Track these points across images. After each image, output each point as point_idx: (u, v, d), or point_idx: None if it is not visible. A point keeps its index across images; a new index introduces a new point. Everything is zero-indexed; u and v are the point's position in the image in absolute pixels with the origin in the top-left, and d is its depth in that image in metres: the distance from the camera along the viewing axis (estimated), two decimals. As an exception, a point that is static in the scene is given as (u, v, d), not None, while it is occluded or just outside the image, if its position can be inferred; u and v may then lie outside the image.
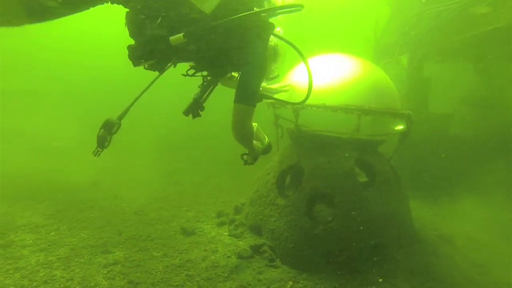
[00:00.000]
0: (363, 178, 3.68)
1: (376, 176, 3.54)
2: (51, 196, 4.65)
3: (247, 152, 2.65)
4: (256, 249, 3.45)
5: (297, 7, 2.22)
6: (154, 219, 4.24)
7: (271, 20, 2.38)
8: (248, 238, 3.79)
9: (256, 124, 2.80)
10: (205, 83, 2.46)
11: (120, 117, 2.19)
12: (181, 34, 1.79)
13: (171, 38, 1.79)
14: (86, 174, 5.66)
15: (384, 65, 7.49)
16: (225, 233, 3.95)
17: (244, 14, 1.95)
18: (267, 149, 2.84)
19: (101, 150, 2.10)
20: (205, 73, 2.39)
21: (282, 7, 2.20)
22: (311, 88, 2.43)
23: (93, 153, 2.06)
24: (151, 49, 1.85)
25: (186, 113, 2.38)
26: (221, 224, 4.25)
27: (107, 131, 2.09)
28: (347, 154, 3.56)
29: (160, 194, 5.36)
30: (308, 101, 3.48)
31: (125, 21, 1.91)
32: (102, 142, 2.07)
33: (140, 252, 3.34)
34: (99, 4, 1.83)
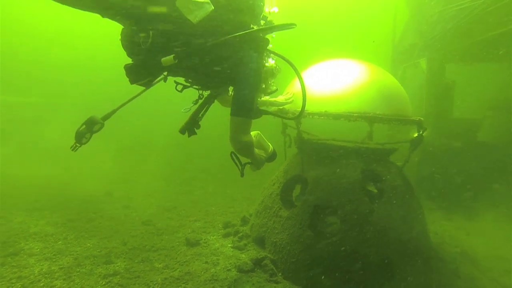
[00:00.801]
0: (372, 189, 3.47)
1: (385, 187, 3.32)
2: (65, 205, 4.83)
3: (249, 161, 2.59)
4: (258, 263, 3.34)
5: (290, 26, 2.21)
6: (161, 229, 4.26)
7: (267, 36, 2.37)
8: (251, 251, 3.69)
9: (258, 132, 2.75)
10: (200, 100, 2.46)
11: (104, 118, 2.23)
12: (171, 56, 1.81)
13: (162, 59, 1.82)
14: (100, 184, 5.86)
15: (403, 70, 7.17)
16: (229, 245, 3.88)
17: (240, 34, 1.95)
18: (271, 157, 2.78)
19: (79, 145, 2.12)
20: (199, 88, 2.40)
21: (277, 27, 2.19)
22: (305, 103, 2.43)
23: (71, 148, 2.10)
24: (146, 68, 1.89)
25: (182, 131, 2.40)
26: (226, 235, 4.19)
27: (88, 128, 2.12)
28: (353, 164, 3.39)
29: (170, 204, 5.40)
30: (311, 109, 3.44)
31: (120, 39, 1.94)
32: (80, 137, 2.09)
33: (142, 263, 3.34)
34: (93, 11, 1.85)
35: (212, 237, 4.14)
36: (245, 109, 2.08)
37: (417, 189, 6.09)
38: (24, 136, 6.52)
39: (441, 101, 6.12)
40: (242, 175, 2.45)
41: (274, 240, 3.49)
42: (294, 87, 3.78)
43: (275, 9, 2.48)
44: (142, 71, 1.89)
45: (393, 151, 3.67)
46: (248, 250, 3.73)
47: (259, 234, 3.79)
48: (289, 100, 3.38)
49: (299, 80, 2.36)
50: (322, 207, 3.31)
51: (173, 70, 2.07)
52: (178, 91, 2.31)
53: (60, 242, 3.59)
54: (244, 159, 2.52)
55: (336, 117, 3.25)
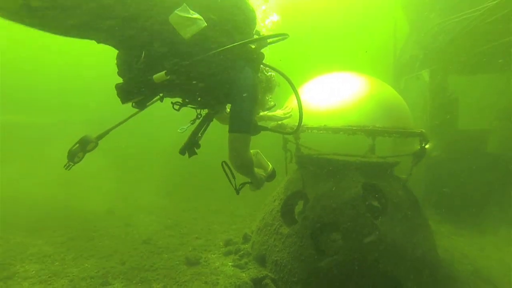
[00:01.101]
0: (374, 205, 3.36)
1: (388, 202, 3.22)
2: (66, 224, 4.81)
3: (249, 181, 2.52)
4: (258, 282, 3.23)
5: (284, 36, 2.20)
6: (161, 247, 4.19)
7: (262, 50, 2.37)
8: (252, 270, 3.58)
9: (257, 150, 2.69)
10: (198, 119, 2.43)
11: (98, 137, 2.19)
12: (163, 72, 1.78)
13: (154, 76, 1.79)
14: (102, 202, 5.84)
15: (405, 82, 7.13)
16: (230, 264, 3.78)
17: (228, 46, 1.93)
18: (271, 176, 2.70)
19: (72, 164, 2.07)
20: (196, 107, 2.38)
21: (269, 36, 2.18)
22: (301, 118, 2.39)
23: (64, 167, 2.06)
24: (138, 86, 1.86)
25: (182, 152, 2.36)
26: (227, 253, 4.09)
27: (81, 147, 2.08)
28: (354, 179, 3.31)
29: (172, 221, 5.34)
30: (310, 123, 3.41)
31: (116, 63, 1.95)
32: (72, 156, 2.04)
33: (139, 284, 3.26)
34: (85, 38, 1.86)
35: (213, 255, 4.05)
36: (243, 125, 2.04)
37: (424, 203, 5.95)
38: (27, 156, 6.59)
39: (445, 112, 6.02)
40: (237, 192, 2.38)
41: (275, 259, 3.39)
42: (293, 102, 3.76)
43: (274, 18, 2.48)
44: (133, 90, 1.86)
45: (395, 164, 3.58)
46: (249, 269, 3.62)
47: (260, 252, 3.68)
48: (287, 115, 3.36)
49: (295, 94, 2.33)
50: (323, 224, 3.21)
51: (166, 88, 2.03)
52: (176, 109, 2.28)
53: (57, 263, 3.53)
54: (242, 178, 2.46)
55: (335, 131, 3.21)
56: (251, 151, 2.61)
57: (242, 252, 3.97)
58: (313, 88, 3.75)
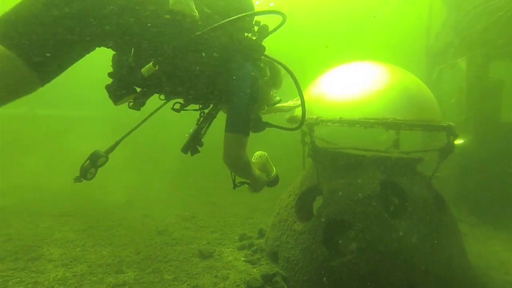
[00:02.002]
0: (392, 204, 3.13)
1: (408, 202, 2.97)
2: (88, 213, 5.02)
3: (248, 181, 2.43)
4: (268, 279, 3.15)
5: (279, 13, 2.07)
6: (176, 239, 4.24)
7: (263, 42, 2.25)
8: (264, 266, 3.51)
9: (264, 153, 2.57)
10: (201, 117, 2.36)
11: (108, 151, 2.15)
12: (150, 64, 1.71)
13: (142, 70, 1.73)
14: (122, 193, 6.04)
15: (438, 72, 6.59)
16: (242, 258, 3.73)
17: (220, 23, 1.82)
18: (273, 182, 2.58)
19: (81, 180, 2.04)
20: (198, 108, 2.31)
21: (263, 12, 2.05)
22: (304, 113, 2.27)
23: (74, 180, 2.03)
24: (128, 84, 1.81)
25: (184, 150, 2.30)
26: (241, 248, 4.05)
27: (92, 163, 2.03)
28: (371, 175, 3.09)
29: (189, 213, 5.40)
30: (325, 115, 3.22)
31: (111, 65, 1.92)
32: (85, 173, 2.01)
33: (152, 274, 3.31)
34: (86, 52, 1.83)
35: (226, 249, 4.03)
36: (240, 125, 1.93)
37: (459, 203, 5.49)
38: (52, 148, 7.00)
39: (485, 103, 5.47)
40: (234, 186, 2.30)
41: (287, 256, 3.28)
42: (307, 95, 3.59)
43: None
44: (124, 88, 1.80)
45: (419, 161, 3.30)
46: (261, 265, 3.56)
47: (273, 248, 3.60)
48: (297, 105, 3.20)
49: (298, 89, 2.21)
50: (337, 222, 3.05)
51: (159, 84, 1.93)
52: (176, 110, 2.20)
53: (78, 248, 3.70)
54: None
55: (351, 123, 3.00)
56: (259, 152, 2.50)
57: (255, 247, 3.92)
58: (330, 79, 3.55)
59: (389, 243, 2.76)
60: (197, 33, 1.79)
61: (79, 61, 1.74)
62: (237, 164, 2.03)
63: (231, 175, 2.26)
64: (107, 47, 1.83)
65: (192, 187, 7.51)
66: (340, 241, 2.98)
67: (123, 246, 3.87)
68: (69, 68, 1.70)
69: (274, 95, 2.57)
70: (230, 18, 1.86)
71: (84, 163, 2.04)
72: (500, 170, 5.09)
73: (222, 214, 5.51)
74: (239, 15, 1.89)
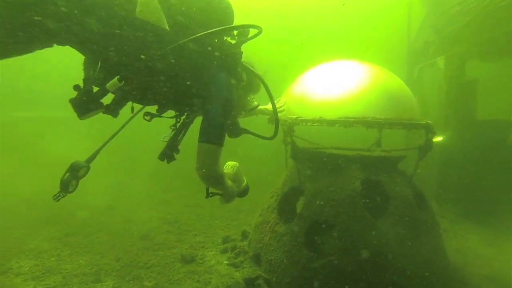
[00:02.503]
0: (373, 203, 3.12)
1: (389, 200, 2.97)
2: (66, 219, 4.82)
3: (220, 192, 2.37)
4: (250, 282, 3.10)
5: (256, 27, 2.02)
6: (158, 244, 4.14)
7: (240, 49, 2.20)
8: (247, 269, 3.45)
9: (236, 163, 2.51)
10: (177, 124, 2.28)
11: (89, 160, 2.04)
12: (115, 79, 1.62)
13: (107, 85, 1.64)
14: (103, 197, 5.86)
15: (419, 71, 6.70)
16: (225, 262, 3.67)
17: (186, 40, 1.76)
18: (243, 192, 2.53)
19: (63, 195, 1.91)
20: (171, 113, 2.24)
21: (237, 27, 1.99)
22: (277, 126, 2.30)
23: (53, 197, 1.90)
24: (94, 99, 1.69)
25: (161, 157, 2.21)
26: (224, 251, 3.98)
27: (73, 175, 1.91)
28: (352, 174, 3.08)
29: (173, 217, 5.28)
30: (305, 115, 3.19)
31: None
32: (66, 186, 1.88)
33: (131, 282, 3.21)
34: (46, 46, 1.72)
35: (210, 252, 3.95)
36: (214, 135, 1.85)
37: (438, 200, 5.59)
38: (26, 152, 6.71)
39: (462, 102, 5.58)
40: (207, 195, 2.24)
41: (270, 258, 3.24)
42: (287, 95, 3.56)
43: None
44: (91, 103, 1.67)
45: (400, 159, 3.32)
46: (243, 268, 3.50)
47: (256, 250, 3.54)
48: (280, 109, 3.17)
49: (270, 98, 2.21)
50: (319, 223, 3.02)
51: (128, 95, 1.85)
52: (147, 120, 2.10)
53: (52, 259, 3.54)
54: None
55: (331, 123, 2.98)
56: (231, 162, 2.44)
57: (238, 250, 3.86)
58: (310, 77, 3.52)
59: (371, 242, 2.76)
60: (169, 47, 1.72)
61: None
62: (209, 174, 1.95)
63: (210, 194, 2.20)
64: (75, 48, 1.72)
65: (176, 190, 7.36)
66: (322, 242, 2.95)
67: (102, 254, 3.74)
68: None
69: (252, 100, 2.52)
70: (205, 32, 1.80)
71: (64, 175, 1.91)
72: (477, 166, 5.20)
73: (206, 217, 5.42)
74: (215, 29, 1.82)
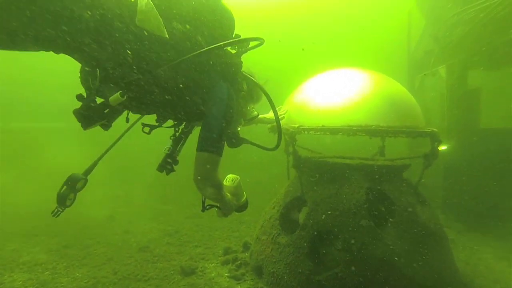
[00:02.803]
0: (378, 212, 3.04)
1: (394, 210, 2.89)
2: (64, 230, 4.72)
3: (217, 205, 2.30)
4: (252, 297, 3.00)
5: (259, 40, 2.03)
6: (157, 255, 4.03)
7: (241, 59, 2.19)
8: (248, 281, 3.35)
9: (237, 177, 2.45)
10: (176, 134, 2.24)
11: (86, 173, 2.00)
12: (118, 94, 1.58)
13: (110, 99, 1.59)
14: (102, 208, 5.76)
15: (420, 80, 6.69)
16: (226, 274, 3.56)
17: (185, 57, 1.73)
18: (242, 207, 2.46)
19: (62, 209, 1.86)
20: (169, 123, 2.20)
21: (240, 41, 1.97)
22: (280, 136, 2.26)
23: (52, 214, 1.85)
24: (97, 110, 1.66)
25: (160, 169, 2.16)
26: (225, 262, 3.87)
27: (70, 188, 1.86)
28: (356, 184, 3.01)
29: (173, 228, 5.18)
30: (307, 124, 3.15)
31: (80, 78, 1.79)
32: (63, 200, 1.83)
33: (129, 295, 3.10)
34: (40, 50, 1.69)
35: (210, 264, 3.84)
36: (213, 144, 1.81)
37: (444, 210, 5.48)
38: (24, 162, 6.65)
39: (465, 110, 5.54)
40: (203, 209, 2.17)
41: (272, 270, 3.14)
42: (289, 103, 3.52)
43: None
44: (93, 114, 1.64)
45: (404, 168, 3.25)
46: (245, 281, 3.40)
47: (258, 262, 3.44)
48: (280, 116, 3.12)
49: (272, 108, 2.20)
50: (322, 234, 2.94)
51: (129, 107, 1.82)
52: (146, 133, 2.07)
53: (47, 272, 3.44)
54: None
55: (334, 131, 2.93)
56: (232, 175, 2.38)
57: (239, 261, 3.75)
58: (313, 86, 3.49)
59: (376, 254, 2.67)
60: (175, 62, 1.70)
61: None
62: (208, 185, 1.89)
63: (202, 196, 2.12)
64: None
65: (176, 200, 7.26)
66: (326, 254, 2.86)
67: (100, 266, 3.63)
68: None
69: (252, 109, 2.48)
70: (208, 48, 1.78)
71: (61, 189, 1.85)
72: (482, 175, 5.11)
73: (207, 228, 5.31)
74: (218, 44, 1.81)
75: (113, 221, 5.42)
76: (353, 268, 2.64)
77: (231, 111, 1.93)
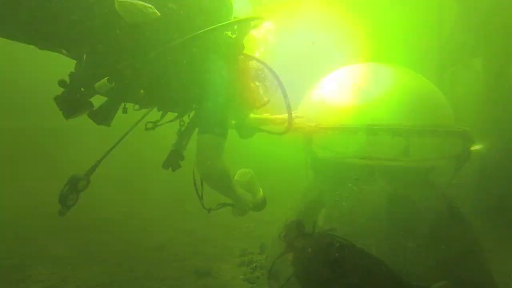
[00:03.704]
0: (401, 219, 2.82)
1: (419, 216, 2.66)
2: (85, 227, 4.81)
3: (231, 203, 2.19)
4: (266, 302, 2.90)
5: (257, 19, 1.95)
6: (173, 255, 4.05)
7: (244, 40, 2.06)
8: (264, 285, 3.26)
9: (250, 170, 2.33)
10: (182, 128, 2.16)
11: (88, 173, 1.95)
12: (105, 79, 1.51)
13: (96, 85, 1.53)
14: (122, 205, 5.88)
15: (452, 73, 6.21)
16: (241, 276, 3.50)
17: (180, 40, 1.64)
18: (259, 205, 2.33)
19: (66, 209, 1.84)
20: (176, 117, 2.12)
21: (236, 22, 1.86)
22: (291, 120, 2.11)
23: (58, 213, 1.83)
24: (82, 97, 1.59)
25: (165, 166, 2.09)
26: (241, 264, 3.82)
27: (72, 189, 1.84)
28: (378, 187, 2.81)
29: (190, 227, 5.18)
30: (326, 122, 2.98)
31: None
32: (65, 200, 1.80)
33: (143, 295, 3.13)
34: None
35: (226, 266, 3.80)
36: (215, 125, 1.73)
37: (482, 215, 5.04)
38: (45, 162, 6.90)
39: (504, 108, 5.06)
40: (208, 211, 2.07)
41: (287, 275, 3.02)
42: (306, 101, 3.36)
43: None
44: (77, 101, 1.57)
45: (431, 170, 2.99)
46: (260, 284, 3.32)
47: (274, 265, 3.33)
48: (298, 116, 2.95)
49: (281, 89, 1.99)
50: (341, 239, 2.77)
51: (121, 96, 1.73)
52: (150, 128, 2.02)
53: (69, 267, 3.55)
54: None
55: (353, 131, 2.76)
56: (243, 169, 2.27)
57: (255, 264, 3.69)
58: (331, 82, 3.32)
59: (400, 264, 2.47)
60: (167, 46, 1.61)
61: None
62: (212, 171, 1.79)
63: (197, 193, 2.02)
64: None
65: (195, 198, 7.29)
66: (344, 261, 2.69)
67: (117, 264, 3.70)
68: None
69: (261, 95, 2.30)
70: (202, 31, 1.68)
71: (63, 189, 1.82)
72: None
73: (225, 227, 5.26)
74: (213, 26, 1.71)
75: (131, 219, 5.49)
76: (372, 278, 2.46)
77: (232, 89, 1.85)
